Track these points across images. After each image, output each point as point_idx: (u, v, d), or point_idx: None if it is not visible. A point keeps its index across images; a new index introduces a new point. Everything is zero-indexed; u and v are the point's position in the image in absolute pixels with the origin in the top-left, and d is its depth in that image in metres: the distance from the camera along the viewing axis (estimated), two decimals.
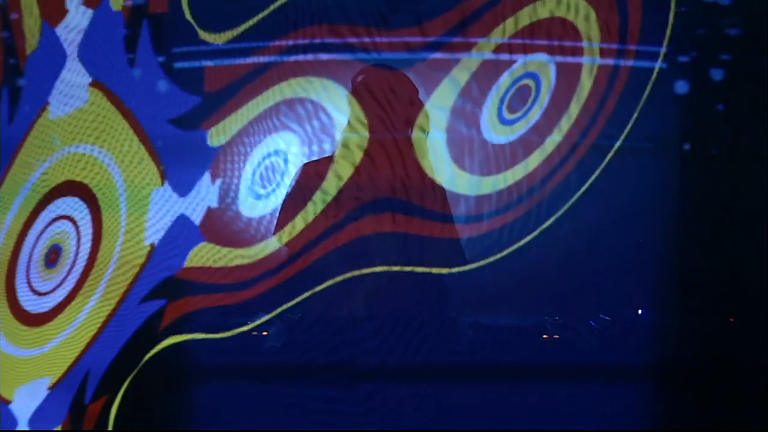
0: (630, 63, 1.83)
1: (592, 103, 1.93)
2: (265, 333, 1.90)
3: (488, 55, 1.95)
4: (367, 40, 2.01)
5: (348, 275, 1.97)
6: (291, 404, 1.91)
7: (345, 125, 2.05)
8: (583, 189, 1.90)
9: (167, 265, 2.05)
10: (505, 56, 1.98)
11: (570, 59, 1.86)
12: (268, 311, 2.00)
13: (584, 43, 1.86)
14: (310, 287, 2.00)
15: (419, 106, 1.84)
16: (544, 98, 1.95)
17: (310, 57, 2.10)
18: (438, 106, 1.94)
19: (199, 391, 1.99)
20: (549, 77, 1.95)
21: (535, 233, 1.93)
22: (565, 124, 1.91)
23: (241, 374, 1.98)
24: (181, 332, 2.00)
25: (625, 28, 1.85)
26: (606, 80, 1.84)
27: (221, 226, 2.06)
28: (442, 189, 1.86)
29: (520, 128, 1.96)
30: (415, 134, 1.80)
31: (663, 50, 1.82)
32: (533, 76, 1.96)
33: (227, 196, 2.07)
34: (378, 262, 1.89)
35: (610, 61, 1.83)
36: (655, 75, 1.82)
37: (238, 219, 2.06)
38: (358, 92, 1.84)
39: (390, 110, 1.79)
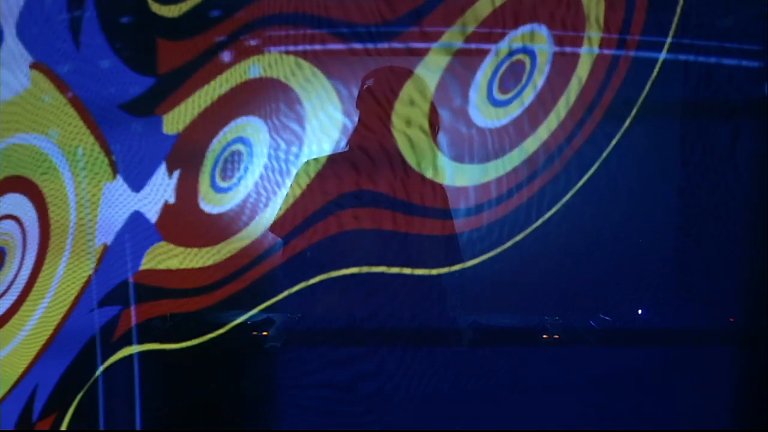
0: (637, 37, 1.59)
1: (596, 80, 1.70)
2: (265, 333, 1.81)
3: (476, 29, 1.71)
4: (337, 10, 1.78)
5: (323, 277, 1.78)
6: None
7: (318, 108, 1.83)
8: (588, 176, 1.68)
9: (121, 268, 1.87)
10: (497, 29, 1.74)
11: (570, 33, 1.62)
12: (234, 317, 1.81)
13: (584, 12, 1.62)
14: (279, 290, 1.81)
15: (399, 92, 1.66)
16: (541, 75, 1.71)
17: (276, 31, 1.87)
18: (420, 88, 1.70)
19: (157, 407, 1.81)
20: (545, 52, 1.71)
21: (532, 228, 1.72)
22: (564, 105, 1.68)
23: (205, 388, 1.81)
24: (137, 342, 1.84)
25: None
26: (609, 59, 1.61)
27: (180, 223, 1.88)
28: (429, 182, 1.68)
29: (514, 110, 1.73)
30: (397, 123, 1.62)
31: (673, 22, 1.58)
32: (528, 51, 1.73)
33: (186, 190, 1.90)
34: (359, 261, 1.73)
35: (615, 35, 1.60)
36: (665, 49, 1.59)
37: (199, 215, 1.88)
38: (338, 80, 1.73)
39: (368, 96, 1.65)
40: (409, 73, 1.58)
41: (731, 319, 1.71)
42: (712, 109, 1.78)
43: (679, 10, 1.58)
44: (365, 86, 1.56)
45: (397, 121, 1.54)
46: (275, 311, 1.85)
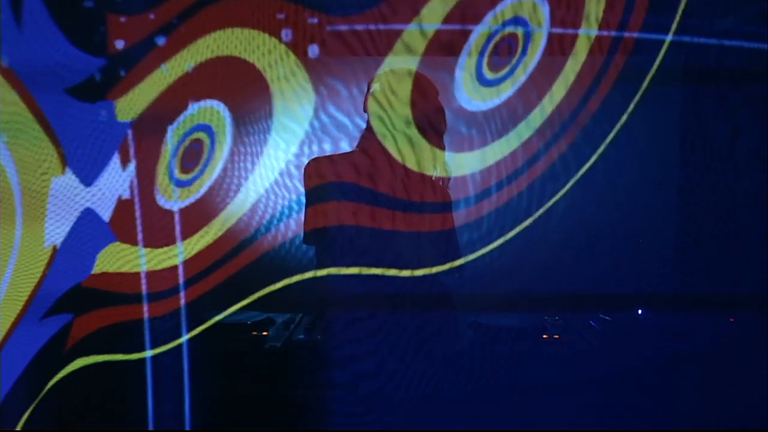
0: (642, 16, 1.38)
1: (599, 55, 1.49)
2: (265, 333, 1.72)
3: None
4: None
5: (296, 278, 1.62)
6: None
7: (287, 90, 1.64)
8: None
9: (72, 272, 1.72)
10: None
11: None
12: (197, 324, 1.65)
13: None
14: (246, 294, 1.64)
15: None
16: (535, 51, 1.51)
17: (241, 4, 1.67)
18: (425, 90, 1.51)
19: (114, 421, 1.65)
20: (540, 20, 1.50)
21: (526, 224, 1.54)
22: (562, 84, 1.48)
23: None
24: (91, 353, 1.69)
25: None
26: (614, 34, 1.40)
27: (135, 221, 1.73)
28: (413, 174, 1.57)
29: (506, 90, 1.53)
30: (402, 124, 1.55)
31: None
32: (519, 23, 1.51)
33: (142, 184, 1.72)
34: (341, 262, 1.61)
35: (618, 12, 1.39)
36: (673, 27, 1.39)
37: (157, 212, 1.72)
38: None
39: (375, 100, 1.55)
40: (414, 74, 1.53)
41: (731, 320, 1.70)
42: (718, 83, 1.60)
43: None
44: (372, 90, 1.51)
45: (402, 123, 1.50)
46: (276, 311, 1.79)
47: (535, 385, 1.66)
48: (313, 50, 1.65)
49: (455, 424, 1.62)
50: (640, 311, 1.78)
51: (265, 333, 1.69)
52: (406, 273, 1.54)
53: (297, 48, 1.67)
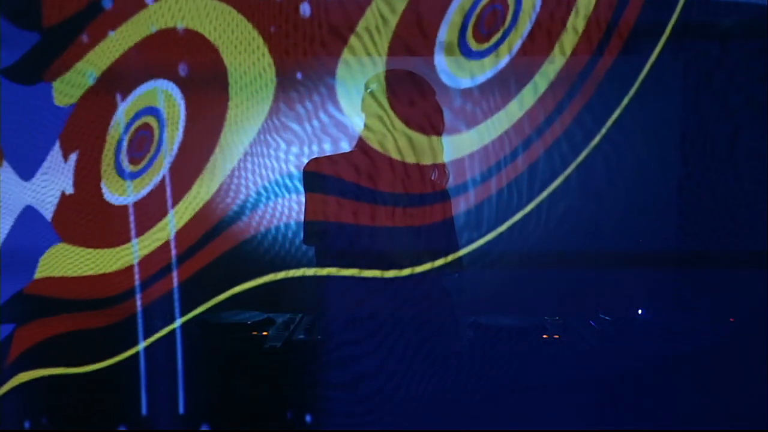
0: None
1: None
2: (265, 333, 1.65)
3: None
4: None
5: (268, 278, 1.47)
6: None
7: (243, 66, 1.44)
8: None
9: (12, 278, 1.56)
10: None
11: None
12: (153, 331, 1.48)
13: None
14: (207, 297, 1.47)
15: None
16: (527, 16, 1.29)
17: None
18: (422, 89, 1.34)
19: None
20: None
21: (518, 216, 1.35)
22: (561, 53, 1.27)
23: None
24: (35, 366, 1.54)
25: None
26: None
27: (81, 219, 1.57)
28: (413, 172, 1.50)
29: (492, 64, 1.33)
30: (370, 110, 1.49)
31: None
32: None
33: (86, 176, 1.56)
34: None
35: None
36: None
37: (104, 208, 1.57)
38: None
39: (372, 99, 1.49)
40: (411, 75, 1.48)
41: (731, 319, 1.69)
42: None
43: None
44: (369, 90, 1.47)
45: (399, 123, 1.45)
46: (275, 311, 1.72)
47: (535, 385, 1.61)
48: (279, 24, 1.45)
49: (455, 424, 1.59)
50: (640, 311, 1.74)
51: (265, 333, 1.62)
52: (406, 272, 1.46)
53: (259, 22, 1.47)
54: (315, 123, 1.54)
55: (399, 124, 1.43)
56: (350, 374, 1.51)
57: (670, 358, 1.64)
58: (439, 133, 1.45)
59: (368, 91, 1.45)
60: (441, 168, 1.47)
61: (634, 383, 1.63)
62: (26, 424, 1.50)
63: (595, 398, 1.64)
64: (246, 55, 1.48)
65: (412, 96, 1.43)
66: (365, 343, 1.52)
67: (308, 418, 1.58)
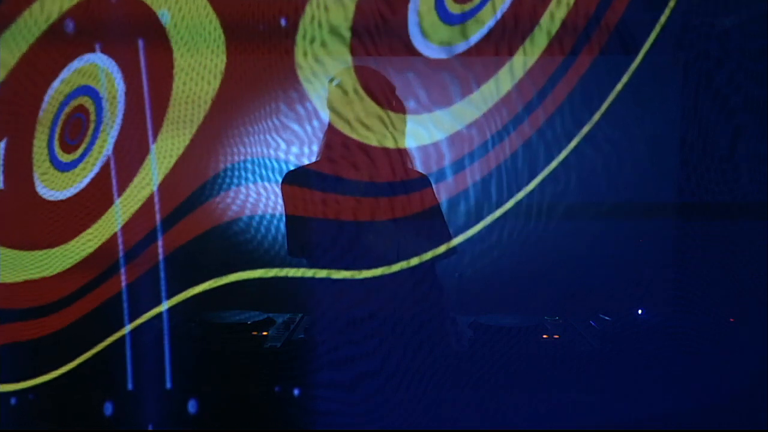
0: None
1: None
2: (265, 333, 1.63)
3: None
4: None
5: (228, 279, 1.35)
6: None
7: (190, 40, 1.27)
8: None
9: None
10: None
11: None
12: (99, 340, 1.33)
13: None
14: (161, 300, 1.32)
15: None
16: None
17: None
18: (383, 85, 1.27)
19: None
20: None
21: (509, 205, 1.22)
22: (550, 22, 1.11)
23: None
24: None
25: None
26: None
27: (12, 217, 1.40)
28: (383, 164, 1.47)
29: (473, 30, 1.18)
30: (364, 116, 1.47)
31: None
32: None
33: (16, 168, 1.37)
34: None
35: None
36: None
37: (38, 204, 1.38)
38: None
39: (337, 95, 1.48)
40: (371, 71, 1.50)
41: (731, 320, 1.70)
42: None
43: None
44: (334, 84, 1.47)
45: (364, 116, 1.45)
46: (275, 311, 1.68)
47: (535, 385, 1.62)
48: None
49: (455, 424, 1.60)
50: (640, 311, 1.72)
51: (265, 333, 1.61)
52: (395, 268, 1.42)
53: None
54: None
55: (363, 117, 1.41)
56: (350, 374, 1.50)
57: None
58: (402, 124, 1.45)
59: (333, 84, 1.43)
60: (408, 154, 1.45)
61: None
62: None
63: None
64: (195, 26, 1.30)
65: (371, 90, 1.42)
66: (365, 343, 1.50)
67: (308, 418, 1.51)
